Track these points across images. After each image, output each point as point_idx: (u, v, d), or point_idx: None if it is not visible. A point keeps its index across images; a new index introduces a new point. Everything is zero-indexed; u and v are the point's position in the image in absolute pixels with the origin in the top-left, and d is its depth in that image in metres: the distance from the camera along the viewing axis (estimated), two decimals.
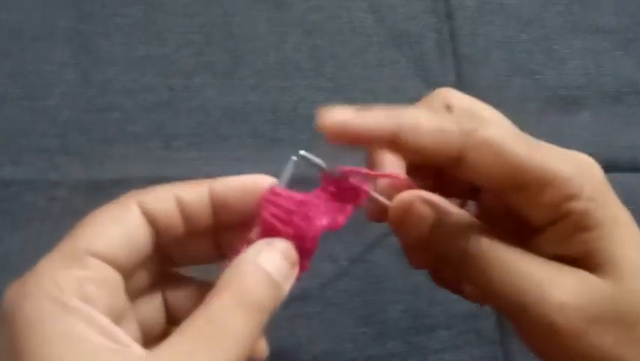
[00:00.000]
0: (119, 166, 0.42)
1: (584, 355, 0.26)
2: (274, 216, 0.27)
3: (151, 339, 0.28)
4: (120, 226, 0.26)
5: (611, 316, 0.26)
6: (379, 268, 0.43)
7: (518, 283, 0.26)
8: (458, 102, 0.30)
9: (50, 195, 0.41)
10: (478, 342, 0.43)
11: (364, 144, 0.28)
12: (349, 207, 0.29)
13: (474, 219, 0.28)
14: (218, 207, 0.28)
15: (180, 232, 0.28)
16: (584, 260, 0.26)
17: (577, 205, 0.26)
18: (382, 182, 0.29)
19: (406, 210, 0.28)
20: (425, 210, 0.28)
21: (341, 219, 0.28)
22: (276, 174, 0.30)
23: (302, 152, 0.28)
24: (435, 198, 0.29)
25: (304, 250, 0.27)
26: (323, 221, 0.27)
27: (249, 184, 0.28)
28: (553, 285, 0.26)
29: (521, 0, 0.52)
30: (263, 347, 0.29)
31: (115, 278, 0.25)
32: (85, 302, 0.23)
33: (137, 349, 0.23)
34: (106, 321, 0.23)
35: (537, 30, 0.51)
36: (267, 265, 0.26)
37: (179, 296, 0.29)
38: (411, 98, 0.30)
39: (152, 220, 0.27)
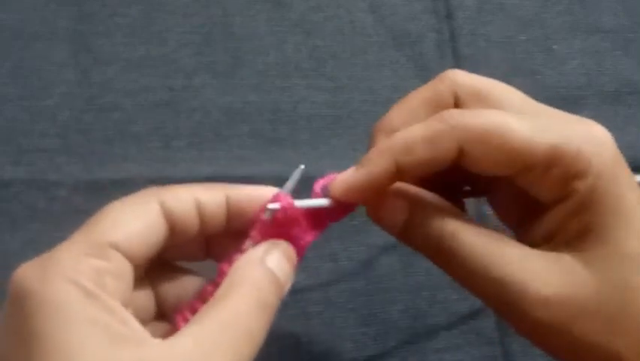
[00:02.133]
0: (119, 166, 0.42)
1: (572, 344, 0.26)
2: (268, 228, 0.28)
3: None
4: (141, 222, 0.26)
5: (596, 309, 0.25)
6: (379, 268, 0.43)
7: (501, 277, 0.26)
8: (465, 83, 0.29)
9: (50, 195, 0.40)
10: (478, 342, 0.43)
11: (378, 191, 0.28)
12: (326, 220, 0.30)
13: (456, 211, 0.28)
14: (232, 213, 0.28)
15: (195, 232, 0.28)
16: (580, 240, 0.26)
17: (583, 183, 0.25)
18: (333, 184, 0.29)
19: (380, 205, 0.29)
20: (399, 205, 0.29)
21: (319, 230, 0.30)
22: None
23: (302, 166, 0.29)
24: (412, 189, 0.29)
25: None
26: (307, 237, 0.29)
27: (262, 196, 0.29)
28: (536, 280, 0.25)
29: (521, 0, 0.52)
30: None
31: (129, 271, 0.26)
32: (103, 292, 0.23)
33: (150, 338, 0.24)
34: (121, 309, 0.24)
35: (537, 30, 0.51)
36: (274, 267, 0.27)
37: (169, 286, 0.30)
38: None
39: (169, 219, 0.27)
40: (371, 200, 0.29)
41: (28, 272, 0.23)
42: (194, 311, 0.27)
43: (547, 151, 0.25)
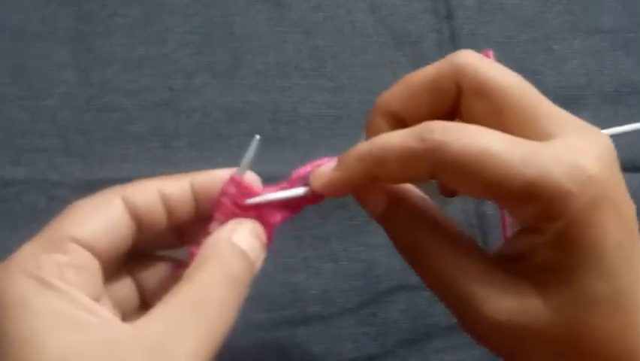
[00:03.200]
0: (119, 166, 0.42)
1: None
2: (233, 209, 0.29)
3: (127, 319, 0.29)
4: (103, 217, 0.26)
5: (546, 341, 0.25)
6: (379, 268, 0.43)
7: (458, 288, 0.26)
8: (471, 74, 0.28)
9: (50, 195, 0.40)
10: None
11: (354, 189, 0.29)
12: (303, 203, 0.30)
13: (433, 213, 0.28)
14: (200, 199, 0.29)
15: (163, 223, 0.28)
16: (545, 274, 0.25)
17: (556, 225, 0.24)
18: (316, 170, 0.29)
19: (365, 192, 0.29)
20: (378, 197, 0.29)
21: (292, 211, 0.30)
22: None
23: (257, 136, 0.29)
24: (396, 186, 0.29)
25: None
26: (277, 217, 0.29)
27: (224, 178, 0.29)
28: (491, 301, 0.25)
29: (521, 0, 0.52)
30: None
31: (94, 265, 0.26)
32: (65, 284, 0.24)
33: (119, 322, 0.24)
34: (86, 299, 0.24)
35: (537, 30, 0.51)
36: (241, 244, 0.27)
37: (148, 274, 0.30)
38: None
39: (135, 215, 0.27)
40: (351, 193, 0.29)
41: None
42: None
43: (524, 188, 0.24)
